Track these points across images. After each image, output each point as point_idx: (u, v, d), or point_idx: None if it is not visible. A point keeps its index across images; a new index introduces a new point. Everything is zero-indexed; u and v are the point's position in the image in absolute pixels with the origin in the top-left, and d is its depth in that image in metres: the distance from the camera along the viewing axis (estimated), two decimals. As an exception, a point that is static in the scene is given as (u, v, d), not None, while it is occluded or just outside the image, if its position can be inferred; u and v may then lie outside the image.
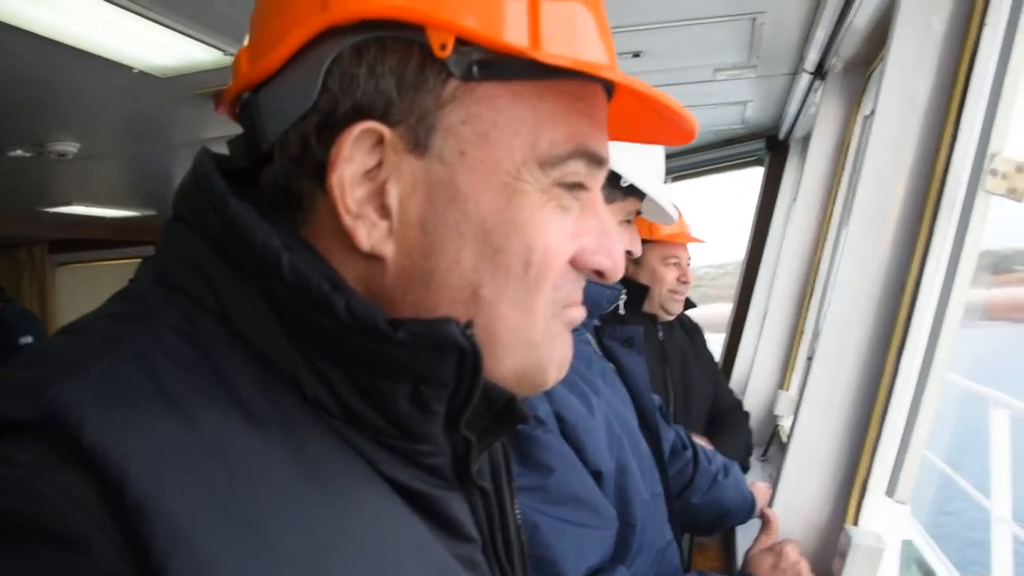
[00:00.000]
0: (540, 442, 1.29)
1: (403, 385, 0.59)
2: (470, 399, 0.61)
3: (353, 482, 0.58)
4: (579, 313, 0.69)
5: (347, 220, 0.60)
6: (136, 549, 0.45)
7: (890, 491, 1.72)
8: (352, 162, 0.59)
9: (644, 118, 0.70)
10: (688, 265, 2.93)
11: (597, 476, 1.40)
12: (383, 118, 0.59)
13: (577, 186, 0.65)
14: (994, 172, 1.65)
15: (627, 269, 2.85)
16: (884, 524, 1.73)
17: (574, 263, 0.67)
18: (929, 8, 1.80)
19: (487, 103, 0.61)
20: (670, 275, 2.89)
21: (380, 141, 0.60)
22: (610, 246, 0.68)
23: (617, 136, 0.74)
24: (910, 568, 4.06)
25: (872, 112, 1.99)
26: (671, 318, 2.96)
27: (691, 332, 3.17)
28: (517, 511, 0.80)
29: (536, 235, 0.63)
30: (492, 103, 0.61)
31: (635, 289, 2.85)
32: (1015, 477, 4.08)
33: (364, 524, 0.57)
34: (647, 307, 2.88)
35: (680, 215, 2.93)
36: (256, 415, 0.55)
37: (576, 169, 0.64)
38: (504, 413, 0.67)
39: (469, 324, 0.60)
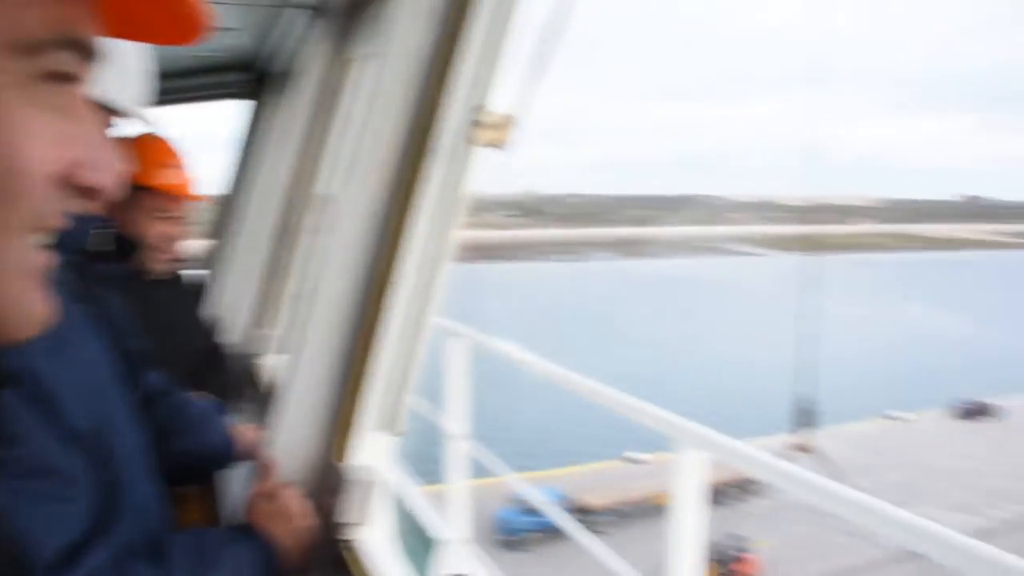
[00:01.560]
0: None
1: None
2: None
3: None
4: (47, 255, 0.57)
5: None
6: None
7: (384, 425, 1.79)
8: None
9: (137, 10, 0.58)
10: (183, 222, 2.66)
11: (73, 437, 1.22)
12: None
13: (64, 78, 0.54)
14: (481, 124, 1.78)
15: (109, 213, 2.52)
16: (376, 458, 1.79)
17: (60, 178, 0.54)
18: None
19: None
20: (158, 229, 2.60)
21: None
22: (106, 159, 0.55)
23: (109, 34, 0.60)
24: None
25: (367, 56, 2.01)
26: (156, 277, 2.68)
27: (175, 280, 2.94)
28: None
29: (10, 139, 0.50)
30: None
31: (121, 239, 2.51)
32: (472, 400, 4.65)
33: None
34: (132, 262, 2.56)
35: (182, 166, 2.67)
36: None
37: (62, 59, 0.53)
38: None
39: None
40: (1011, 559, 1.11)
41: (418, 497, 4.07)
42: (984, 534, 29.04)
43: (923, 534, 1.27)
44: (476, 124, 1.80)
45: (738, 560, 28.33)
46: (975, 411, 49.16)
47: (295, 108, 3.72)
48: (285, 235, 3.98)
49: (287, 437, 1.88)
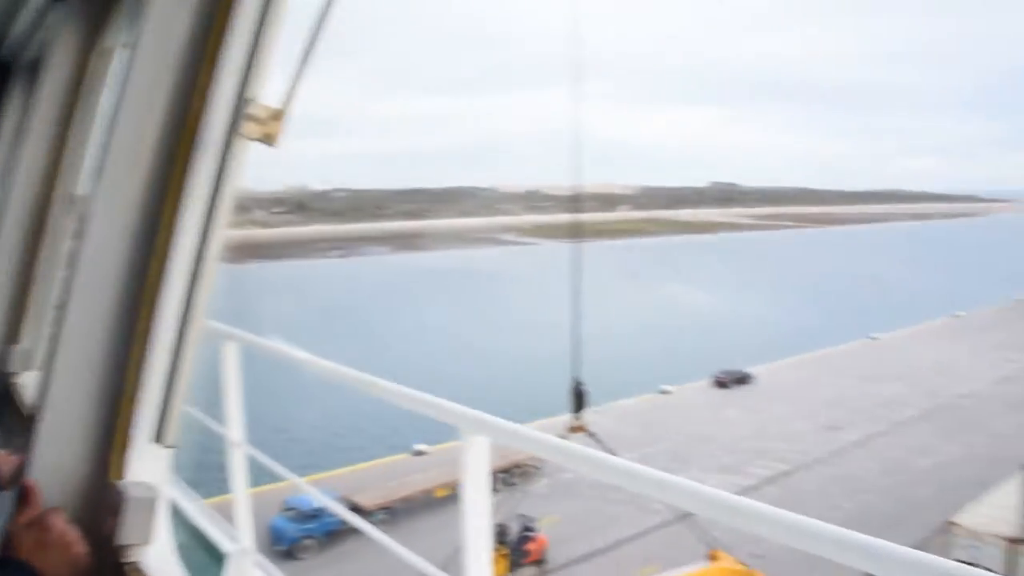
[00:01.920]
0: None
1: None
2: None
3: None
4: None
5: None
6: None
7: (157, 438, 1.70)
8: None
9: None
10: None
11: None
12: None
13: None
14: (251, 117, 1.72)
15: None
16: (153, 473, 1.70)
17: None
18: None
19: None
20: None
21: None
22: None
23: None
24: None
25: (120, 46, 1.89)
26: None
27: None
28: None
29: None
30: None
31: None
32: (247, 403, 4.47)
33: None
34: None
35: None
36: None
37: None
38: None
39: None
40: (770, 509, 1.24)
41: (201, 510, 3.89)
42: (745, 490, 31.79)
43: (692, 495, 1.38)
44: (246, 118, 1.74)
45: (527, 540, 29.13)
46: (732, 380, 53.37)
47: (43, 101, 3.41)
48: (38, 239, 3.65)
49: (51, 459, 1.74)
